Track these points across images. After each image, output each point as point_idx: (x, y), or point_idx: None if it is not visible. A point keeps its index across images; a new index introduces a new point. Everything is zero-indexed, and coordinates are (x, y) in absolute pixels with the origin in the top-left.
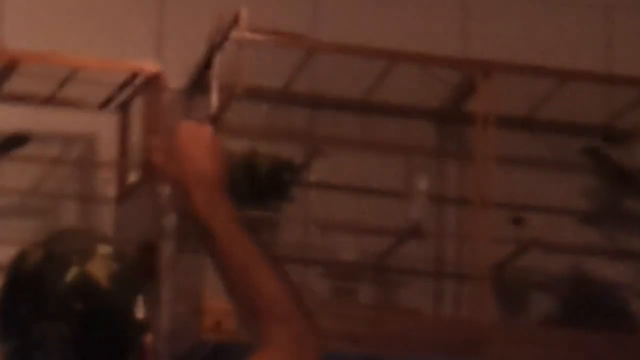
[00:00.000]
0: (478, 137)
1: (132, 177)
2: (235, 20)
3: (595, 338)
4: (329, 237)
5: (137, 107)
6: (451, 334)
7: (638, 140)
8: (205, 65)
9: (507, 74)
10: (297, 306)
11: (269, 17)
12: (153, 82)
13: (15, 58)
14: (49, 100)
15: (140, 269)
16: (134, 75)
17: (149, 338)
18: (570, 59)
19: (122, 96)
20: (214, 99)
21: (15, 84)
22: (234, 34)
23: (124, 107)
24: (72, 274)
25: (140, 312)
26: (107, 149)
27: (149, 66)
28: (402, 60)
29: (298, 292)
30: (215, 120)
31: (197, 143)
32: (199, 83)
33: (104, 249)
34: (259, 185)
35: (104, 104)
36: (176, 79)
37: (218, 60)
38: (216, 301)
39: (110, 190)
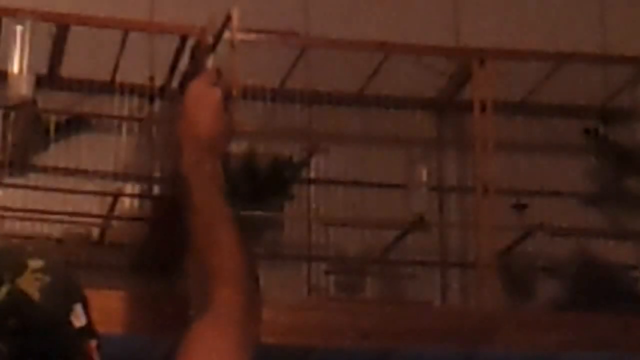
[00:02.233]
0: (477, 125)
1: None
2: (227, 21)
3: (604, 321)
4: (333, 233)
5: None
6: (460, 324)
7: (635, 120)
8: (196, 68)
9: (503, 60)
10: (249, 277)
11: (259, 15)
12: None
13: (63, 19)
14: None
15: (75, 278)
16: (184, 39)
17: (92, 343)
18: (565, 41)
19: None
20: None
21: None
22: (227, 35)
23: None
24: (3, 292)
25: (79, 320)
26: None
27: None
28: (396, 52)
29: (254, 265)
30: None
31: (201, 103)
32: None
33: (35, 263)
34: (260, 185)
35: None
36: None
37: (211, 62)
38: None
39: None
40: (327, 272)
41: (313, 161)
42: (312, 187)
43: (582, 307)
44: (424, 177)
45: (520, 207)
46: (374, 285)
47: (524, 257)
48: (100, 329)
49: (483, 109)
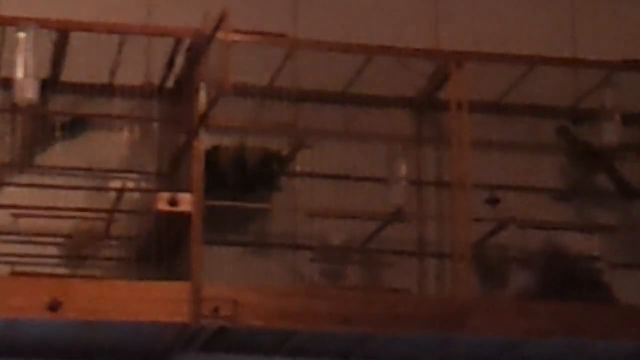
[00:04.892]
0: (453, 123)
1: None
2: (220, 21)
3: (571, 309)
4: (317, 224)
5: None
6: (435, 311)
7: (604, 120)
8: (191, 65)
9: (479, 62)
10: None
11: (249, 17)
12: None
13: (63, 26)
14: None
15: None
16: (179, 41)
17: None
18: (538, 45)
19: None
20: (202, 97)
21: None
22: (220, 35)
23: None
24: None
25: None
26: None
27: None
28: (378, 53)
29: None
30: (204, 117)
31: None
32: (183, 83)
33: None
34: (249, 176)
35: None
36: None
37: (205, 60)
38: (214, 288)
39: None
40: (311, 261)
41: (299, 155)
42: (298, 180)
43: (551, 296)
44: (403, 172)
45: (494, 202)
46: (356, 273)
47: (497, 249)
48: (110, 317)
49: (460, 108)
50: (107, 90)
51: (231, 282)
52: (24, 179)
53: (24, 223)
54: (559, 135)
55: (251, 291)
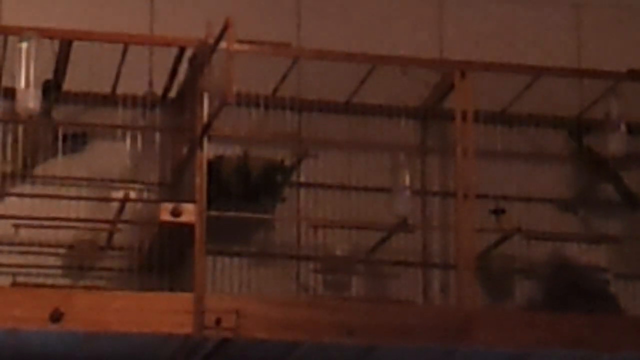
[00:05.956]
0: (458, 133)
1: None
2: (223, 31)
3: (577, 320)
4: (321, 234)
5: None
6: (440, 322)
7: (608, 130)
8: (194, 75)
9: (483, 72)
10: None
11: (253, 27)
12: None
13: (66, 36)
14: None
15: None
16: (182, 51)
17: None
18: (543, 55)
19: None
20: (206, 107)
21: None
22: (224, 44)
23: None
24: None
25: None
26: None
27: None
28: (383, 63)
29: None
30: (207, 127)
31: None
32: (187, 92)
33: None
34: (253, 186)
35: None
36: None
37: (208, 70)
38: (217, 299)
39: None
40: (315, 271)
41: (303, 165)
42: (302, 190)
43: (556, 307)
44: (408, 182)
45: (499, 212)
46: (360, 284)
47: (502, 259)
48: (113, 328)
49: (464, 118)
50: (110, 100)
51: (234, 293)
52: (26, 189)
53: (26, 233)
54: (571, 138)
55: (254, 302)
